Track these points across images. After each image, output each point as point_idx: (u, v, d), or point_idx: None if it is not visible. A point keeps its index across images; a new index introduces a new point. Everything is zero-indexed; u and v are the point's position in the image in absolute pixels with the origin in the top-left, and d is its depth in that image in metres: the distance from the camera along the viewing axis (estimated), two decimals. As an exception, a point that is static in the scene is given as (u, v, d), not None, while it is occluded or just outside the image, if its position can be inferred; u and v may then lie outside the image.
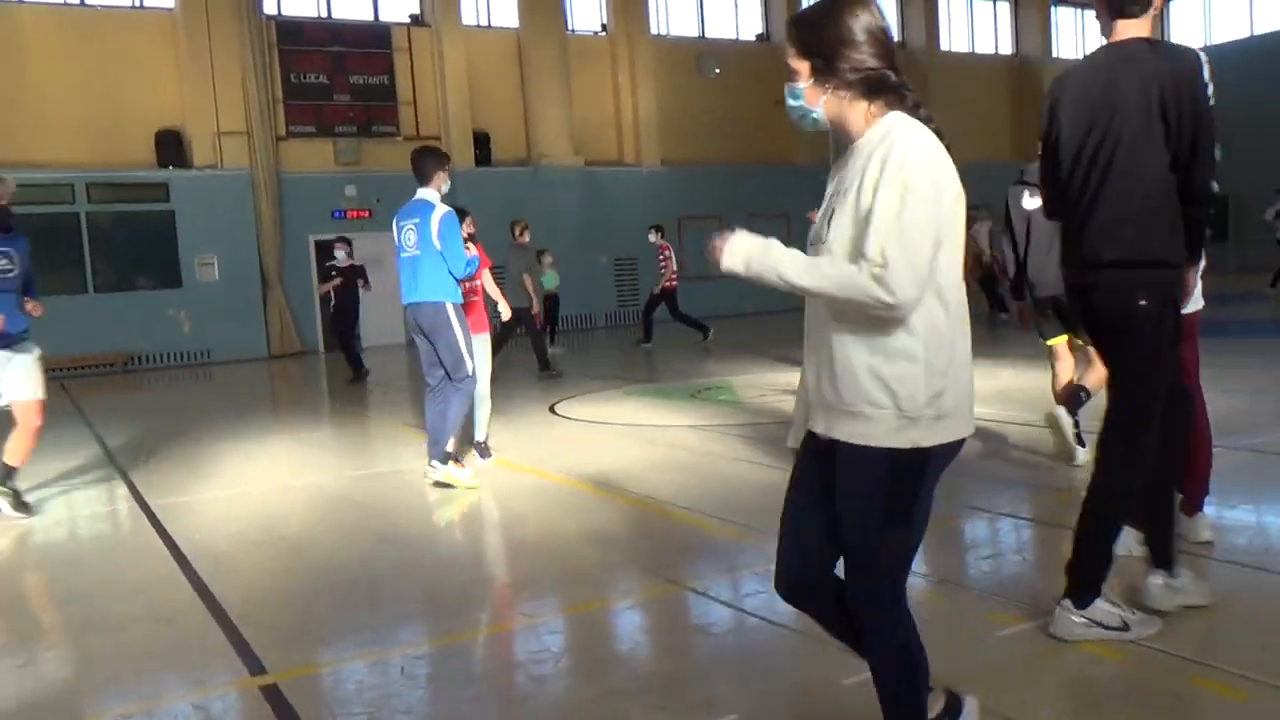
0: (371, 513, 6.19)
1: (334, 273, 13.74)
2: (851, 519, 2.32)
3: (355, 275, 13.72)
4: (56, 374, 16.70)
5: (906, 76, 2.28)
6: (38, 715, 3.49)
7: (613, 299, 22.51)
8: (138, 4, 18.69)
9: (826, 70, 2.24)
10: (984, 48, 28.43)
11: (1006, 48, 28.80)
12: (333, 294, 13.72)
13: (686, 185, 22.55)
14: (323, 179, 19.50)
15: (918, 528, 2.34)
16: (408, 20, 20.70)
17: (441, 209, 6.45)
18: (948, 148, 2.24)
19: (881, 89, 2.24)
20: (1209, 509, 4.50)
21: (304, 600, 4.56)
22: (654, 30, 23.14)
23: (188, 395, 14.75)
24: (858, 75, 2.22)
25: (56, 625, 4.44)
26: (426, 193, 6.53)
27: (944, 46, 26.95)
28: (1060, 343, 6.16)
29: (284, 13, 19.70)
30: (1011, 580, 4.34)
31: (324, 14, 20.10)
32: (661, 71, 22.77)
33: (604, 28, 22.90)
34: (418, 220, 6.45)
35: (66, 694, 3.65)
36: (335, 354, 18.85)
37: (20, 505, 6.40)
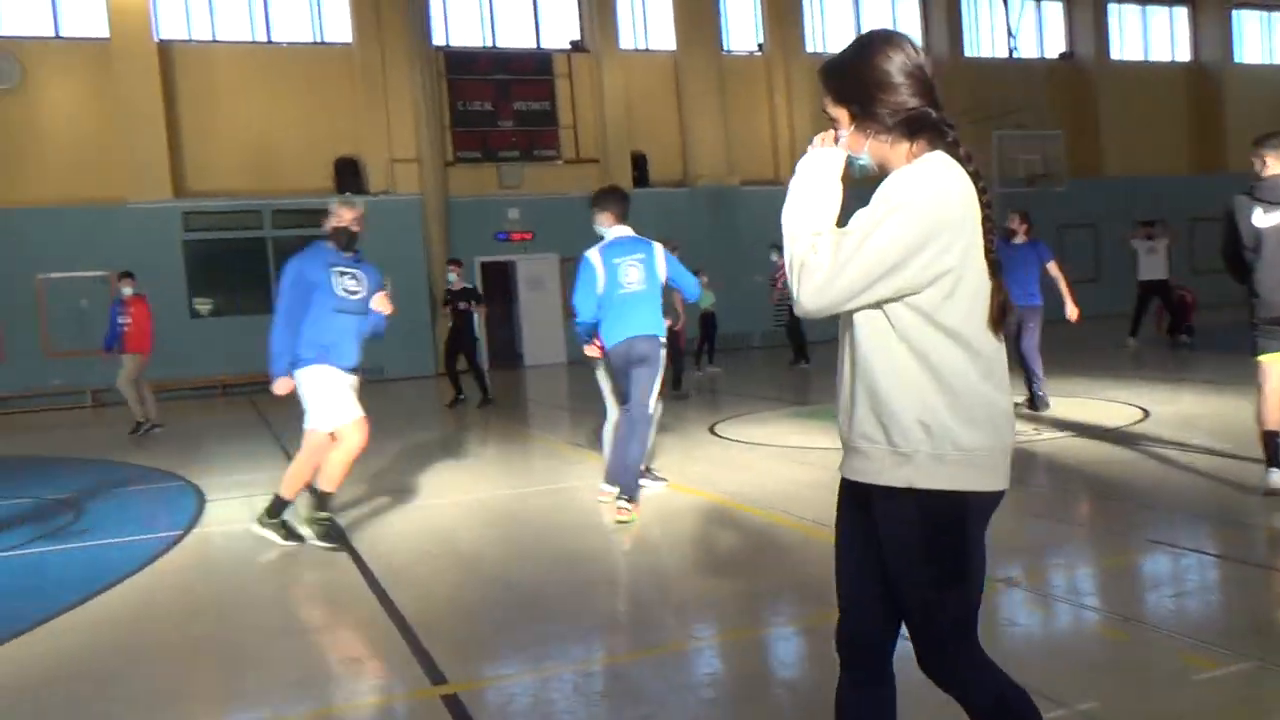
0: (541, 529, 6.36)
1: (450, 295, 13.79)
2: (904, 584, 2.21)
3: (468, 298, 13.68)
4: (245, 389, 17.81)
5: (945, 112, 2.17)
6: (233, 713, 3.74)
7: (769, 318, 22.41)
8: (319, 40, 19.79)
9: (864, 115, 2.18)
10: (1159, 55, 27.13)
11: (1184, 54, 27.40)
12: (451, 316, 13.67)
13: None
14: (487, 202, 20.16)
15: (975, 586, 2.21)
16: (568, 47, 21.24)
17: (659, 245, 6.67)
18: (981, 190, 2.11)
19: (922, 128, 2.16)
20: None
21: (480, 613, 4.72)
22: (810, 48, 23.04)
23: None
24: (896, 117, 2.15)
25: (251, 628, 4.73)
26: (627, 230, 6.66)
27: (1114, 55, 25.85)
28: (1273, 360, 5.76)
29: (453, 44, 20.52)
30: (1203, 621, 4.13)
31: (490, 44, 20.83)
32: (818, 89, 22.56)
33: (760, 47, 22.93)
34: (642, 257, 6.55)
35: (260, 692, 3.88)
36: (496, 372, 19.44)
37: (327, 536, 6.07)
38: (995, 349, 2.14)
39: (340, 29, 19.81)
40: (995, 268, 2.12)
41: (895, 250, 2.00)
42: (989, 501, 2.16)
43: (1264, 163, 5.83)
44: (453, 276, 13.87)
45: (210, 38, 19.06)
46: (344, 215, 6.21)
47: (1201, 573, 4.81)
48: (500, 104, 20.53)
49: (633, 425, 6.44)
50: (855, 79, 2.18)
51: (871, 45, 2.18)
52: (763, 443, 9.03)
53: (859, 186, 2.29)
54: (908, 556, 2.17)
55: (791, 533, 5.82)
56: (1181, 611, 4.25)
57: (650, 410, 6.52)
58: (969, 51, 24.50)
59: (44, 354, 17.32)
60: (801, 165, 2.23)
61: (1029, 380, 9.48)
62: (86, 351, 17.30)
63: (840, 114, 2.22)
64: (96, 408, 17.10)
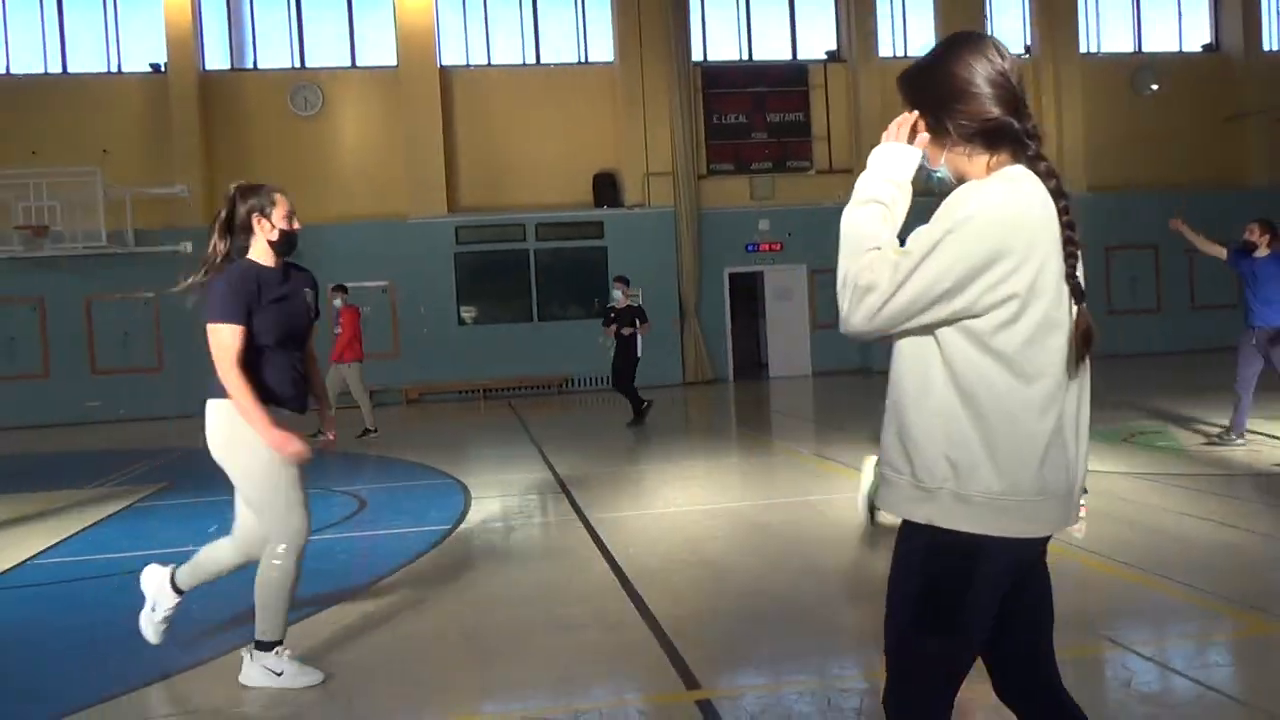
0: (789, 541, 6.36)
1: (613, 315, 13.08)
2: (889, 611, 2.06)
3: (632, 317, 12.98)
4: (504, 393, 18.80)
5: (1033, 122, 1.99)
6: (491, 704, 3.97)
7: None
8: (584, 60, 20.64)
9: (940, 126, 2.02)
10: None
11: None
12: (616, 336, 12.96)
13: (1116, 213, 20.92)
14: (738, 214, 20.33)
15: (961, 645, 2.01)
16: (824, 57, 21.09)
17: None
18: (1063, 209, 1.92)
19: (1002, 140, 1.98)
20: None
21: (732, 621, 4.78)
22: (1084, 48, 21.78)
23: (612, 416, 15.94)
24: (973, 128, 1.98)
25: (511, 623, 4.98)
26: None
27: (1267, 47, 22.67)
28: None
29: (711, 58, 20.85)
30: None
31: (747, 57, 21.02)
32: (1090, 91, 21.35)
33: (1027, 49, 21.91)
34: None
35: (518, 687, 4.08)
36: (740, 383, 19.53)
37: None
38: (1061, 383, 1.93)
39: (603, 49, 20.56)
40: (1078, 294, 1.94)
41: (954, 274, 1.86)
42: (1016, 549, 1.96)
43: None
44: (618, 294, 13.26)
45: (486, 62, 20.28)
46: None
47: None
48: (754, 116, 20.66)
49: None
50: (932, 87, 2.03)
51: (951, 50, 2.02)
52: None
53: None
54: (902, 586, 2.03)
55: (1058, 559, 5.54)
56: None
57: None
58: (1268, 45, 22.38)
59: (327, 358, 18.95)
60: (872, 159, 2.07)
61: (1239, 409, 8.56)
62: (367, 356, 18.81)
63: (922, 123, 2.07)
64: (375, 408, 18.46)
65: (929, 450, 1.94)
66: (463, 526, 7.21)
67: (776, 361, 20.73)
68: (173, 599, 4.34)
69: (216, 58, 19.61)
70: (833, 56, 21.11)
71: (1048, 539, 2.05)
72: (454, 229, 19.31)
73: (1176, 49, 22.53)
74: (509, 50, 20.38)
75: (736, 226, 20.31)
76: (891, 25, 21.51)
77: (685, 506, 7.63)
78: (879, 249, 1.94)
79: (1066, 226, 1.93)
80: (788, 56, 21.13)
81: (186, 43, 18.83)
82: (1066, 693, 2.20)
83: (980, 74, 1.98)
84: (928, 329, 1.93)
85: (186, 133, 18.74)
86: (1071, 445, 1.98)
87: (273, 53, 19.81)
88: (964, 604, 1.97)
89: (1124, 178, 21.49)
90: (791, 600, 5.08)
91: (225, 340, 3.95)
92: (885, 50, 21.20)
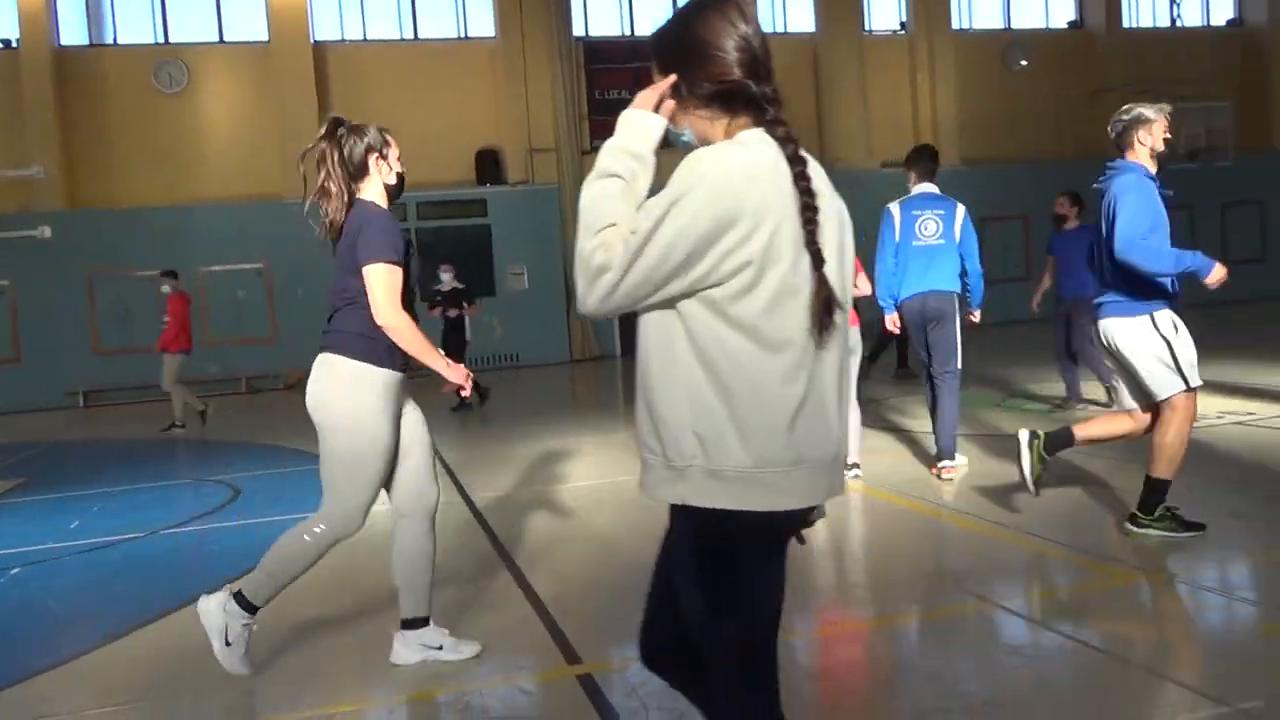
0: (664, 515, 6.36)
1: (439, 297, 12.78)
2: (680, 594, 2.03)
3: (459, 300, 12.78)
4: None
5: (766, 86, 1.94)
6: (373, 689, 3.87)
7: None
8: (463, 36, 20.27)
9: (684, 87, 1.98)
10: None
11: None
12: (443, 318, 12.67)
13: (988, 184, 21.57)
14: (624, 190, 20.28)
15: (747, 621, 1.97)
16: (705, 32, 21.15)
17: (961, 207, 6.72)
18: (799, 174, 1.87)
19: (741, 103, 1.94)
20: None
21: (616, 596, 4.75)
22: (956, 25, 22.33)
23: (501, 395, 15.80)
24: (712, 90, 1.95)
25: (390, 606, 4.87)
26: (934, 188, 6.78)
27: (1127, 24, 23.82)
28: None
29: (592, 33, 20.70)
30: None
31: (629, 32, 20.94)
32: (963, 67, 21.93)
33: (902, 26, 22.36)
34: (942, 212, 6.69)
35: (400, 669, 3.99)
36: (631, 358, 19.55)
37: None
38: (812, 349, 1.88)
39: (484, 24, 20.23)
40: (818, 260, 1.87)
41: (685, 245, 1.80)
42: (781, 522, 1.92)
43: None
44: (446, 276, 12.84)
45: (361, 37, 19.75)
46: None
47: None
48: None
49: (941, 388, 6.59)
50: (676, 47, 1.99)
51: (695, 12, 1.97)
52: (911, 428, 8.83)
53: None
54: (683, 577, 2.00)
55: (932, 521, 5.69)
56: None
57: (956, 370, 6.61)
58: (1128, 22, 23.31)
59: (202, 343, 18.32)
60: (616, 130, 2.01)
61: (1101, 378, 8.86)
62: (243, 340, 18.28)
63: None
64: (251, 394, 17.98)
65: (676, 427, 1.88)
66: (343, 512, 7.02)
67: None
68: (245, 619, 3.80)
69: (74, 33, 18.65)
70: (713, 32, 21.18)
71: (808, 511, 2.01)
72: (332, 209, 18.79)
73: (1044, 26, 23.28)
74: (386, 25, 19.89)
75: (622, 203, 20.26)
76: (771, 2, 21.68)
77: (572, 483, 7.59)
78: (614, 225, 1.87)
79: (804, 192, 1.87)
80: (669, 31, 21.13)
81: (39, 17, 17.86)
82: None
83: (722, 36, 1.94)
84: (670, 302, 1.87)
85: (41, 111, 17.80)
86: (831, 413, 1.94)
87: (134, 28, 18.93)
88: (741, 581, 1.94)
89: (996, 150, 22.17)
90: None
91: (394, 281, 3.67)
92: (767, 24, 21.29)
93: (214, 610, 3.77)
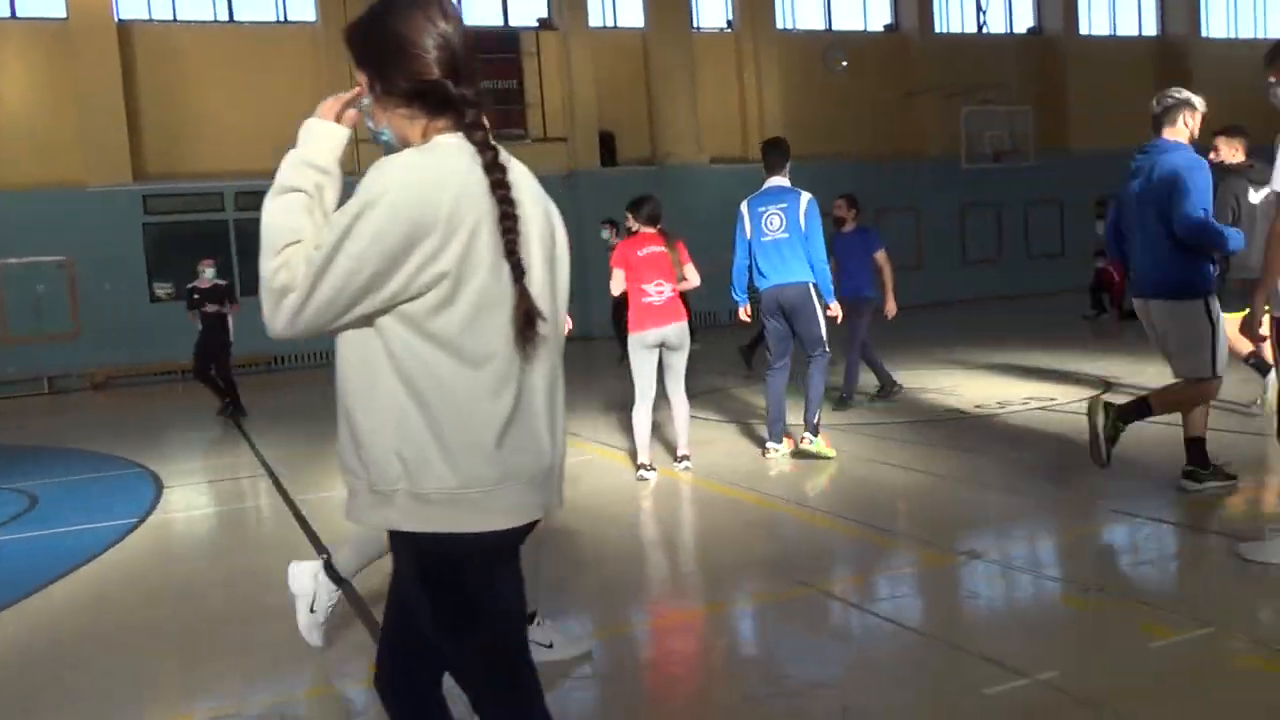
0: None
1: (196, 295, 11.68)
2: (417, 615, 1.95)
3: (219, 297, 11.69)
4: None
5: (467, 88, 1.86)
6: (191, 702, 3.66)
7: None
8: (282, 19, 19.49)
9: (381, 84, 1.89)
10: (1126, 29, 27.20)
11: (1151, 29, 27.49)
12: (199, 319, 11.65)
13: (812, 181, 22.24)
14: (454, 182, 19.94)
15: (488, 636, 1.90)
16: (536, 25, 21.03)
17: (806, 196, 6.77)
18: (497, 181, 1.80)
19: (437, 103, 1.86)
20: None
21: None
22: (780, 25, 22.94)
23: (326, 396, 15.32)
24: (408, 89, 1.86)
25: (207, 615, 4.63)
26: (783, 180, 6.88)
27: (1083, 30, 25.88)
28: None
29: (417, 21, 20.25)
30: (1161, 589, 4.14)
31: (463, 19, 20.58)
32: (787, 66, 22.54)
33: (729, 24, 22.81)
34: (785, 205, 6.76)
35: (218, 680, 3.79)
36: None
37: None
38: (518, 362, 1.83)
39: (304, 7, 19.51)
40: (518, 271, 1.81)
41: (373, 260, 1.71)
42: (503, 540, 1.86)
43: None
44: (210, 273, 11.73)
45: (171, 17, 18.73)
46: None
47: (1160, 541, 4.83)
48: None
49: (810, 366, 6.78)
50: (372, 42, 1.90)
51: (393, 7, 1.88)
52: (726, 419, 9.00)
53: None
54: (416, 604, 1.92)
55: (757, 509, 5.80)
56: (1141, 580, 4.27)
57: (826, 353, 6.79)
58: (939, 27, 24.48)
59: (0, 341, 17.06)
60: (299, 139, 1.92)
61: (875, 370, 9.27)
62: (44, 338, 17.09)
63: (362, 80, 1.94)
64: (54, 395, 16.85)
65: (379, 450, 1.80)
66: (153, 519, 6.65)
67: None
68: (332, 591, 3.87)
69: None
70: (545, 24, 21.08)
71: (527, 527, 1.97)
72: (142, 198, 17.77)
73: (862, 28, 24.19)
74: (198, 6, 18.92)
75: (452, 195, 19.93)
76: (601, -5, 21.74)
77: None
78: (298, 243, 1.77)
79: (502, 201, 1.80)
80: (499, 23, 20.90)
81: None
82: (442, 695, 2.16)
83: (421, 33, 1.85)
84: (367, 320, 1.78)
85: None
86: (542, 427, 1.89)
87: (-88, -2, 17.40)
88: (471, 599, 1.87)
89: (820, 148, 22.89)
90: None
91: None
92: (596, 20, 21.42)
93: (305, 577, 3.85)
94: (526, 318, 1.81)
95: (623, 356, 13.82)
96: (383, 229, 1.71)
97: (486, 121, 1.88)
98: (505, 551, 1.91)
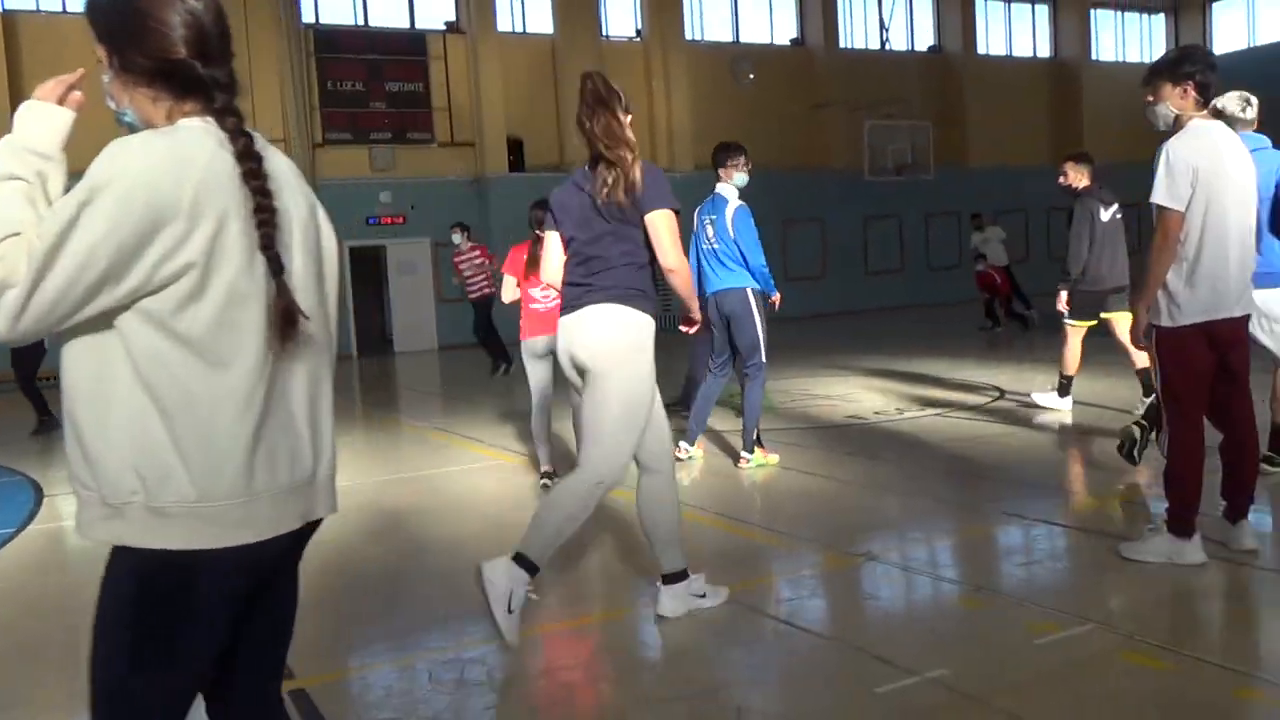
0: (404, 516, 6.20)
1: None
2: (94, 646, 1.75)
3: None
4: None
5: (217, 70, 1.76)
6: (71, 717, 3.52)
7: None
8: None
9: (120, 60, 1.76)
10: (1022, 51, 28.14)
11: (1045, 51, 28.49)
12: None
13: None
14: (358, 185, 19.63)
15: (180, 679, 1.75)
16: (443, 28, 20.82)
17: (734, 204, 6.74)
18: (250, 171, 1.69)
19: (180, 84, 1.74)
20: (1253, 517, 4.41)
21: (332, 604, 4.55)
22: (688, 35, 23.12)
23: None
24: (149, 67, 1.73)
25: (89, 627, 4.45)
26: (722, 187, 6.85)
27: (981, 50, 26.69)
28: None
29: (322, 22, 19.90)
30: (1048, 588, 4.26)
31: (361, 23, 20.28)
32: (696, 77, 22.73)
33: (638, 33, 22.91)
34: (714, 216, 6.78)
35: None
36: (366, 360, 18.96)
37: None
38: (265, 363, 1.69)
39: None
40: (275, 266, 1.69)
41: (106, 250, 1.56)
42: (244, 559, 1.71)
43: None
44: None
45: (60, 9, 18.06)
46: None
47: (1050, 541, 4.98)
48: (372, 85, 19.99)
49: (747, 381, 6.79)
50: (110, 15, 1.76)
51: None
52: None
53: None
54: (108, 616, 1.73)
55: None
56: (1030, 579, 4.38)
57: (762, 363, 6.77)
58: (844, 43, 24.96)
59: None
60: (15, 122, 1.79)
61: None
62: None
63: (104, 55, 1.79)
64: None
65: (112, 460, 1.64)
66: (31, 529, 6.37)
67: (401, 336, 20.33)
68: (525, 583, 3.77)
69: None
70: (452, 27, 20.90)
71: (300, 544, 1.88)
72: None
73: (769, 41, 24.53)
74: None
75: (357, 198, 19.58)
76: (510, 1, 21.63)
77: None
78: (18, 235, 1.58)
79: (256, 192, 1.68)
80: (406, 25, 20.65)
81: None
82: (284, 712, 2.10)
83: (164, 7, 1.72)
84: (104, 320, 1.63)
85: None
86: (302, 432, 1.78)
87: None
88: (182, 632, 1.71)
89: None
90: (395, 578, 4.95)
91: (678, 226, 3.93)
92: (505, 24, 21.31)
93: (500, 577, 3.71)
94: (285, 315, 1.69)
95: (495, 368, 14.00)
96: (115, 218, 1.57)
97: (239, 106, 1.76)
98: (246, 569, 1.75)
